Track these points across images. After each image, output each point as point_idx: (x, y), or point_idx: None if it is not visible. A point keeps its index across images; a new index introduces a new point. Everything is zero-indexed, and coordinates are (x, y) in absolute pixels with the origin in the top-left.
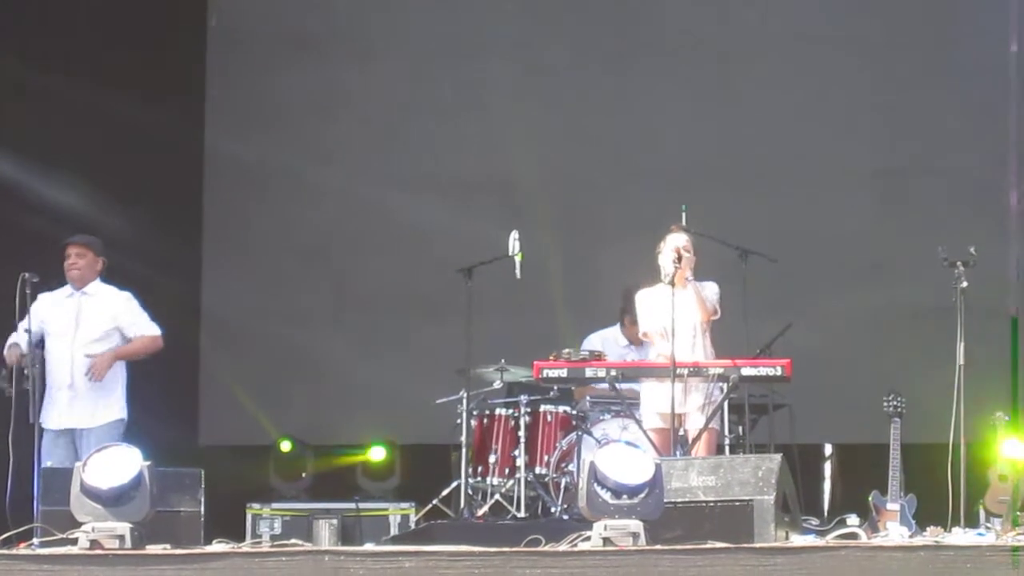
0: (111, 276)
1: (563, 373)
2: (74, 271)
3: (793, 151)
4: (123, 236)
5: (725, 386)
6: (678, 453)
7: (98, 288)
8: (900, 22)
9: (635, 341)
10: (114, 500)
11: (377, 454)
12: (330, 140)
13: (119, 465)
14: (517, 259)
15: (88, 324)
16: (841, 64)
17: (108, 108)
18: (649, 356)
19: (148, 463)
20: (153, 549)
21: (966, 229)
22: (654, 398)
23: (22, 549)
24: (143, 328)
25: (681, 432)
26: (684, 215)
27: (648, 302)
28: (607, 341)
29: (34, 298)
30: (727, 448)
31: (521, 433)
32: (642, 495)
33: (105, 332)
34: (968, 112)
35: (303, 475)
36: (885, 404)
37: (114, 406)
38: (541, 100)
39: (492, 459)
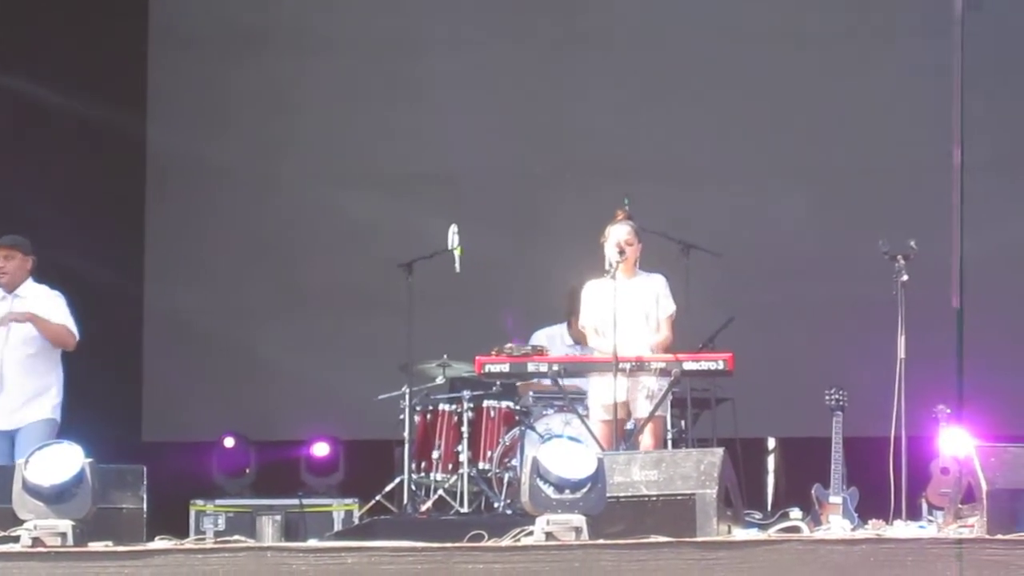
0: (55, 273)
1: (505, 368)
2: (3, 276)
3: (736, 145)
4: (65, 233)
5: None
6: (623, 446)
7: (30, 289)
8: (841, 18)
9: (581, 340)
10: (56, 497)
11: (320, 450)
12: (271, 136)
13: (61, 462)
14: (456, 253)
15: (20, 325)
16: (783, 60)
17: (48, 103)
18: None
19: (90, 460)
20: (95, 546)
21: (908, 223)
22: (600, 390)
23: None
24: (67, 323)
25: (631, 425)
26: (626, 207)
27: (592, 295)
28: (553, 339)
29: None
30: (670, 443)
31: (464, 428)
32: (584, 490)
33: (38, 333)
34: (909, 107)
35: (247, 471)
36: (827, 398)
37: (45, 406)
38: (483, 94)
39: (435, 455)
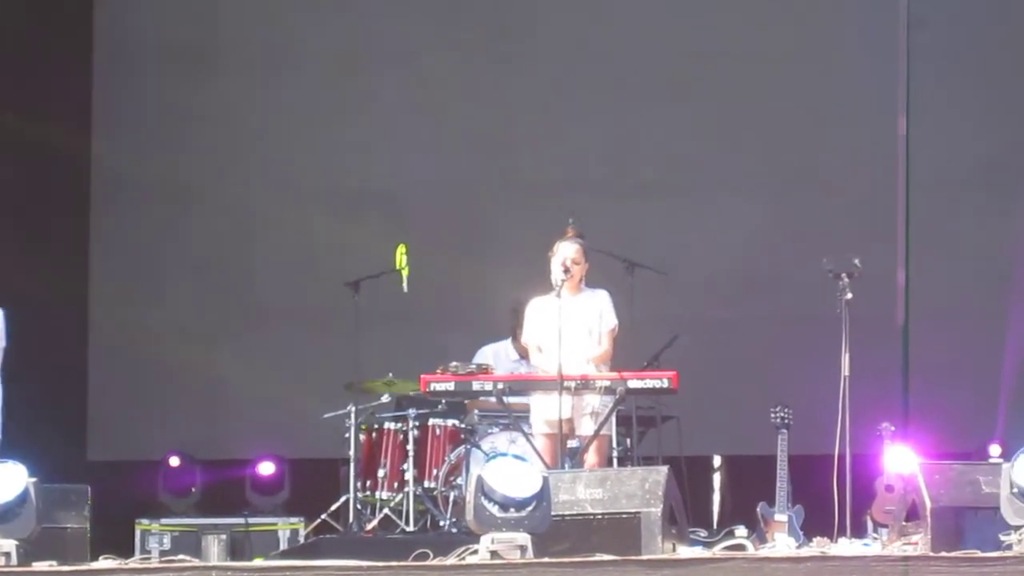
0: None
1: (450, 387)
2: None
3: (680, 162)
4: (8, 249)
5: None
6: (567, 464)
7: None
8: (787, 33)
9: (526, 355)
10: (0, 517)
11: (266, 469)
12: (217, 152)
13: (4, 482)
14: (404, 273)
15: None
16: (729, 75)
17: None
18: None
19: (34, 480)
20: (39, 566)
21: (852, 240)
22: (543, 406)
23: None
24: None
25: (575, 443)
26: (571, 228)
27: (536, 312)
28: (498, 355)
29: None
30: (615, 461)
31: (410, 447)
32: (529, 508)
33: None
34: (854, 124)
35: (192, 490)
36: (772, 415)
37: None
38: (428, 111)
39: (381, 473)
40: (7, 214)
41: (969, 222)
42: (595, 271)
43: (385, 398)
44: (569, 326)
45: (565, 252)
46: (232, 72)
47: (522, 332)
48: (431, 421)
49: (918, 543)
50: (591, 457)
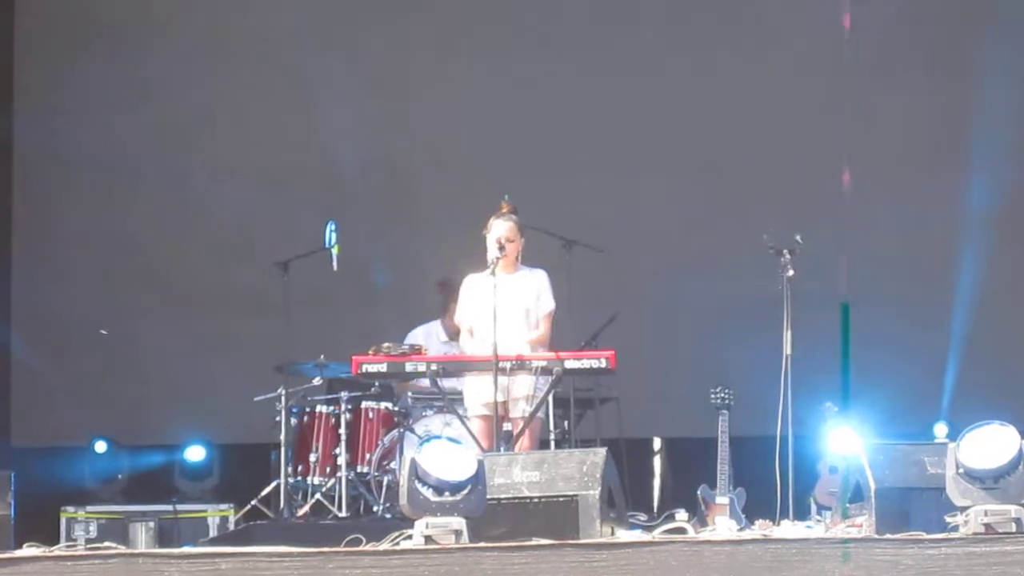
0: None
1: (383, 368)
2: None
3: (619, 140)
4: None
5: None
6: (503, 448)
7: None
8: (727, 10)
9: (457, 335)
10: None
11: (194, 454)
12: (144, 131)
13: None
14: (334, 251)
15: None
16: (667, 53)
17: None
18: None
19: None
20: None
21: (795, 218)
22: (477, 388)
23: None
24: None
25: (509, 426)
26: (508, 201)
27: (470, 290)
28: (429, 336)
29: None
30: (552, 443)
31: (342, 431)
32: (464, 492)
33: None
34: (794, 101)
35: (119, 476)
36: (713, 396)
37: None
38: (360, 88)
39: (313, 458)
40: None
41: (914, 199)
42: (533, 249)
43: (317, 380)
44: (504, 306)
45: (499, 229)
46: (160, 49)
47: (451, 310)
48: (364, 404)
49: (862, 525)
50: (524, 440)
